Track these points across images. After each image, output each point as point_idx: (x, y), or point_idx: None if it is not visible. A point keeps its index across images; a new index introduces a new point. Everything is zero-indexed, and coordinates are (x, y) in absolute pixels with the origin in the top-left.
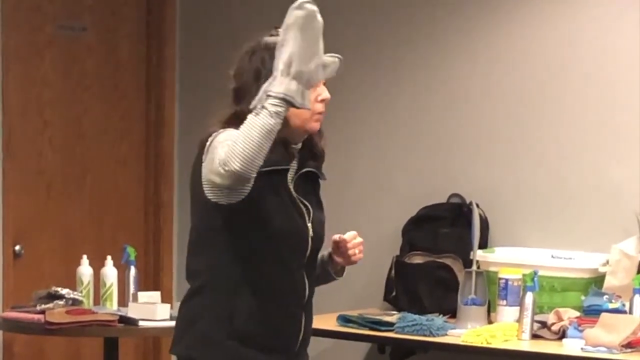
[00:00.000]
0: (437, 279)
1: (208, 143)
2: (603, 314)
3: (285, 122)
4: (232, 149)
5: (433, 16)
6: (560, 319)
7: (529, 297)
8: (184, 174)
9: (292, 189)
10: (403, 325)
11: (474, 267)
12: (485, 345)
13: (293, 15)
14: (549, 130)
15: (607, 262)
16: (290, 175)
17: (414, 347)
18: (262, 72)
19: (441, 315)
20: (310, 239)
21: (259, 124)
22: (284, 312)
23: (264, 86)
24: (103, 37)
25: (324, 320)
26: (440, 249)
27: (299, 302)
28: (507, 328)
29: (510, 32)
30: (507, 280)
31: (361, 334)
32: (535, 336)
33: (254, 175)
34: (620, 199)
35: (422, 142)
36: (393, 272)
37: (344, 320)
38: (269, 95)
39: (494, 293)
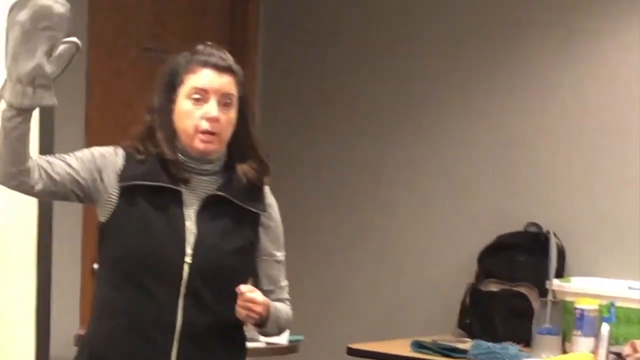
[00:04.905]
0: (512, 307)
1: None
2: None
3: (174, 137)
4: None
5: (514, 41)
6: (635, 351)
7: (605, 328)
8: None
9: (183, 211)
10: (477, 353)
11: (550, 297)
12: None
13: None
14: (628, 160)
15: None
16: (190, 197)
17: None
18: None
19: (515, 344)
20: (186, 265)
21: None
22: (142, 339)
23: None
24: None
25: (397, 346)
26: (516, 277)
27: (164, 331)
28: (582, 358)
29: (589, 62)
30: (583, 310)
31: None
32: None
33: (12, 180)
34: None
35: (499, 170)
36: (468, 299)
37: (418, 346)
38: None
39: (569, 323)
